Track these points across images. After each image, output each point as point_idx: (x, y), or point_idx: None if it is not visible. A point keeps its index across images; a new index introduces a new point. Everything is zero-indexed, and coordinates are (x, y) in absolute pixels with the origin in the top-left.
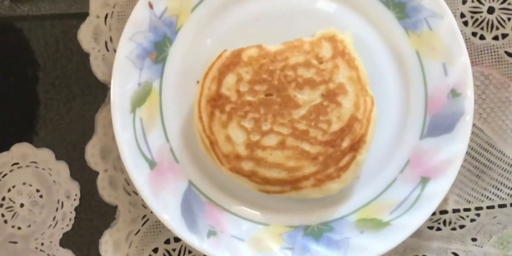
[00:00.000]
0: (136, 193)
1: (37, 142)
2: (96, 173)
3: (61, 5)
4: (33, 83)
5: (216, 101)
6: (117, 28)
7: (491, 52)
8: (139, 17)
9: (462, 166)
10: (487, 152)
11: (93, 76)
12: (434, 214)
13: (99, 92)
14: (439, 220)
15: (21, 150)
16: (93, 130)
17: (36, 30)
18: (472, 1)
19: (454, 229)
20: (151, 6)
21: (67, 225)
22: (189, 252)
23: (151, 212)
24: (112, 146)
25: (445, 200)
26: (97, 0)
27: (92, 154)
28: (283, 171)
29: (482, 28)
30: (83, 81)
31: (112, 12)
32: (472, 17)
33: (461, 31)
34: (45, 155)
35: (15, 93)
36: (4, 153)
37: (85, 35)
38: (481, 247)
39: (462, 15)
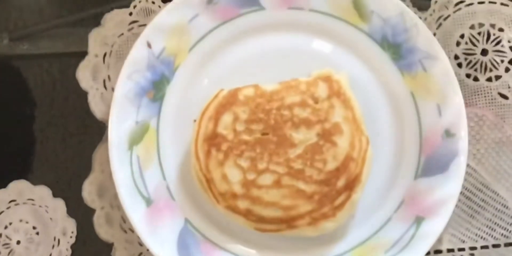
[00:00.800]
0: (132, 230)
1: (34, 179)
2: (93, 211)
3: (59, 44)
4: (30, 121)
5: (213, 140)
6: (115, 67)
7: (484, 93)
8: (137, 56)
9: (456, 206)
10: (481, 192)
11: (90, 114)
12: (428, 253)
13: (95, 130)
14: None
15: (18, 187)
16: (89, 168)
17: (33, 69)
18: (466, 43)
19: None
20: (149, 45)
21: None
22: None
23: (147, 250)
24: (109, 183)
25: (439, 240)
26: (96, 39)
27: (89, 191)
28: (279, 210)
29: (475, 70)
30: (79, 120)
31: (111, 51)
32: (466, 59)
33: (455, 72)
34: (42, 192)
35: (12, 131)
36: (1, 190)
37: (83, 73)
38: None
39: (456, 57)
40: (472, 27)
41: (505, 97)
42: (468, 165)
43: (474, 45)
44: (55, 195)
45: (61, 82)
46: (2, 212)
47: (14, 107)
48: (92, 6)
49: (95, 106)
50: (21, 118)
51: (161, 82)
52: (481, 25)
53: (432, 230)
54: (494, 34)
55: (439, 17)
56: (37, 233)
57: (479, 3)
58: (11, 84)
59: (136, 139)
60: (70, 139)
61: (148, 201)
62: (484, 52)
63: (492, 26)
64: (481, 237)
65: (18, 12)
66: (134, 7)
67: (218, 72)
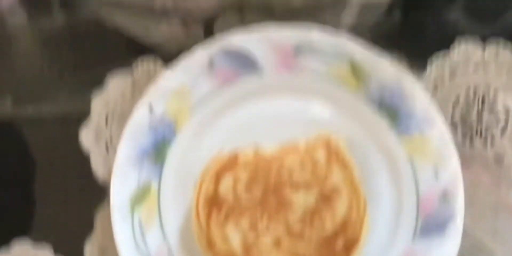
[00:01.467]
0: None
1: (35, 239)
2: None
3: (62, 106)
4: (30, 182)
5: (214, 201)
6: (117, 129)
7: (480, 158)
8: (139, 118)
9: None
10: (479, 252)
11: (91, 176)
12: None
13: (96, 192)
14: None
15: (20, 248)
16: (90, 230)
17: (36, 131)
18: (462, 109)
19: None
20: (151, 108)
21: None
22: None
23: None
24: (110, 244)
25: None
26: (99, 101)
27: (91, 252)
28: None
29: (471, 134)
30: (80, 182)
31: (113, 112)
32: (462, 122)
33: (452, 137)
34: (44, 253)
35: (13, 192)
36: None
37: (86, 135)
38: None
39: (453, 119)
40: (467, 90)
41: (500, 161)
42: (465, 227)
43: (470, 108)
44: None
45: (63, 143)
46: None
47: (14, 167)
48: (94, 66)
49: (97, 168)
50: (22, 178)
51: (163, 144)
52: (477, 88)
53: None
54: (489, 97)
55: (436, 84)
56: None
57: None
58: (12, 144)
59: (138, 201)
60: (71, 199)
61: None
62: (480, 117)
63: (487, 89)
64: None
65: (21, 74)
66: (136, 68)
67: (219, 133)
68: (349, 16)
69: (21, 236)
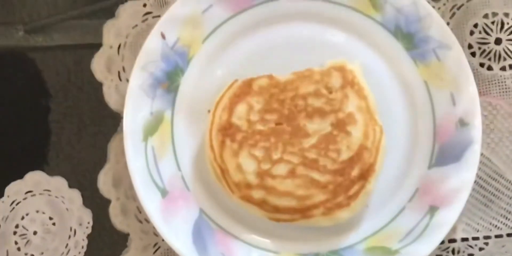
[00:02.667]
0: (147, 221)
1: (50, 170)
2: (109, 201)
3: (74, 36)
4: (45, 113)
5: (227, 130)
6: (129, 58)
7: (498, 82)
8: (151, 47)
9: (470, 195)
10: (495, 181)
11: (104, 106)
12: (442, 242)
13: (110, 121)
14: (448, 248)
15: (34, 178)
16: (105, 159)
17: (48, 61)
18: (480, 33)
19: None
20: (163, 36)
21: (79, 253)
22: None
23: (163, 240)
24: (124, 174)
25: (453, 229)
26: (110, 31)
27: (104, 182)
28: (293, 200)
29: (489, 59)
30: (94, 111)
31: (125, 42)
32: (479, 48)
33: (468, 61)
34: (58, 183)
35: (27, 122)
36: (18, 181)
37: (98, 65)
38: None
39: (470, 46)
40: (485, 16)
41: None
42: (482, 154)
43: (488, 34)
44: (71, 186)
45: (75, 73)
46: (19, 203)
47: (29, 98)
48: None
49: (110, 98)
50: (36, 109)
51: (175, 73)
52: (494, 14)
53: (446, 219)
54: (507, 23)
55: (453, 6)
56: (54, 224)
57: None
58: (26, 76)
59: (151, 130)
60: (85, 130)
61: (163, 192)
62: (498, 41)
63: (506, 15)
64: (496, 226)
65: (33, 4)
66: None
67: (232, 62)
68: None
69: (35, 170)
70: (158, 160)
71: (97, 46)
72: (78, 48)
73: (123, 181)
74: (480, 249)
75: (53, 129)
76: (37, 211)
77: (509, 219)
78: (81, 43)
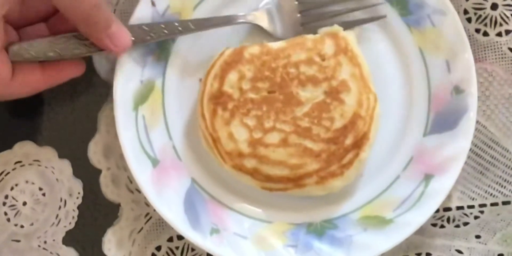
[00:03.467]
0: (139, 191)
1: (39, 140)
2: (99, 171)
3: None
4: None
5: (219, 99)
6: None
7: (494, 48)
8: (141, 14)
9: (465, 163)
10: (491, 149)
11: (96, 75)
12: (437, 211)
13: (103, 91)
14: (443, 217)
15: (23, 148)
16: (95, 129)
17: None
18: None
19: (457, 226)
20: (153, 3)
21: (70, 223)
22: (192, 250)
23: (154, 210)
24: (114, 144)
25: (448, 197)
26: None
27: (94, 152)
28: (286, 169)
29: (485, 25)
30: (87, 80)
31: (115, 10)
32: (475, 14)
33: (464, 27)
34: (48, 153)
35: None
36: (7, 151)
37: None
38: (485, 244)
39: (466, 12)
40: None
41: None
42: (477, 122)
43: (484, 0)
44: (61, 156)
45: None
46: (8, 173)
47: None
48: None
49: (100, 67)
50: None
51: (166, 41)
52: None
53: (441, 187)
54: None
55: None
56: (44, 194)
57: None
58: None
59: (141, 99)
60: (77, 99)
61: (154, 161)
62: (494, 7)
63: None
64: (491, 194)
65: None
66: None
67: (223, 30)
68: None
69: (24, 140)
70: (149, 129)
71: None
72: None
73: (114, 151)
74: (476, 217)
75: (45, 99)
76: (27, 182)
77: (504, 187)
78: None
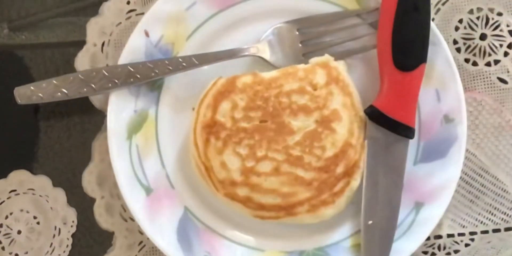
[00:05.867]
0: (132, 219)
1: (34, 169)
2: (93, 200)
3: (59, 34)
4: (33, 110)
5: (211, 128)
6: (113, 56)
7: (483, 78)
8: (135, 45)
9: (456, 191)
10: (481, 177)
11: (90, 104)
12: (428, 239)
13: (98, 119)
14: (434, 245)
15: (18, 177)
16: (89, 158)
17: (37, 58)
18: (465, 28)
19: (448, 254)
20: (147, 34)
21: (64, 252)
22: None
23: (148, 238)
24: (108, 172)
25: (439, 225)
26: (94, 28)
27: (89, 180)
28: (278, 197)
29: (474, 55)
30: (83, 109)
31: (109, 40)
32: (464, 44)
33: (454, 57)
34: (42, 182)
35: (12, 120)
36: (2, 180)
37: (82, 63)
38: None
39: (455, 42)
40: (470, 11)
41: (504, 81)
42: (467, 150)
43: (473, 30)
44: (55, 184)
45: (64, 71)
46: (3, 202)
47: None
48: None
49: (95, 96)
50: (24, 107)
51: None
52: (479, 9)
53: (432, 215)
54: (492, 19)
55: (438, 2)
56: (38, 223)
57: None
58: (14, 73)
59: (135, 128)
60: (73, 128)
61: (148, 190)
62: (483, 37)
63: (491, 10)
64: (481, 222)
65: (22, 1)
66: None
67: None
68: None
69: (19, 169)
70: (142, 158)
71: (82, 43)
72: (64, 46)
73: (108, 179)
74: (466, 245)
75: (41, 128)
76: (21, 210)
77: (495, 215)
78: (67, 41)
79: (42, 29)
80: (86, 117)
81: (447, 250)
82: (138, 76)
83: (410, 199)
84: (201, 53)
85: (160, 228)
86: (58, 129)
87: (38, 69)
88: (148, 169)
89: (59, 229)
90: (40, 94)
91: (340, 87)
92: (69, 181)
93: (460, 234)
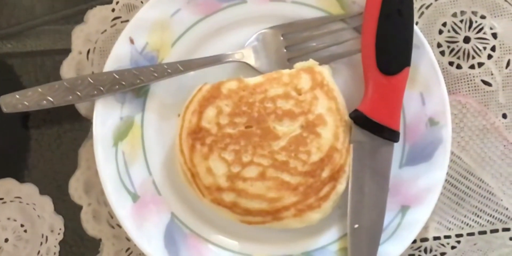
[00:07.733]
0: (119, 226)
1: (20, 177)
2: (80, 207)
3: (46, 42)
4: (21, 119)
5: (197, 134)
6: (99, 64)
7: (467, 81)
8: (120, 52)
9: (441, 193)
10: (466, 179)
11: (77, 112)
12: (415, 241)
13: (81, 127)
14: (420, 247)
15: (5, 185)
16: (75, 165)
17: (27, 66)
18: (448, 31)
19: None
20: (132, 41)
21: None
22: None
23: (135, 245)
24: (95, 180)
25: (425, 228)
26: (79, 36)
27: (75, 188)
28: (264, 202)
29: (458, 58)
30: (71, 117)
31: (94, 47)
32: (448, 47)
33: (438, 60)
34: (30, 190)
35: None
36: None
37: (67, 70)
38: None
39: (439, 45)
40: (454, 15)
41: (488, 84)
42: (452, 153)
43: (457, 33)
44: (42, 192)
45: (54, 79)
46: None
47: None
48: (78, 3)
49: (81, 104)
50: (13, 115)
51: None
52: (463, 12)
53: (418, 218)
54: (476, 22)
55: (421, 6)
56: (25, 231)
57: None
58: (5, 82)
59: (121, 135)
60: (63, 135)
61: (135, 197)
62: (467, 40)
63: (474, 13)
64: (467, 224)
65: (11, 10)
66: (117, 3)
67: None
68: None
69: (5, 177)
70: (128, 165)
71: (68, 51)
72: (51, 54)
73: (95, 186)
74: (452, 247)
75: (30, 136)
76: (8, 219)
77: (480, 217)
78: (54, 49)
79: (29, 38)
80: (75, 124)
81: (433, 253)
82: (124, 83)
83: (396, 202)
84: (186, 59)
85: (147, 234)
86: (47, 137)
87: (29, 77)
88: (134, 175)
89: (46, 237)
90: (25, 102)
91: (325, 92)
92: (56, 188)
93: (446, 237)
